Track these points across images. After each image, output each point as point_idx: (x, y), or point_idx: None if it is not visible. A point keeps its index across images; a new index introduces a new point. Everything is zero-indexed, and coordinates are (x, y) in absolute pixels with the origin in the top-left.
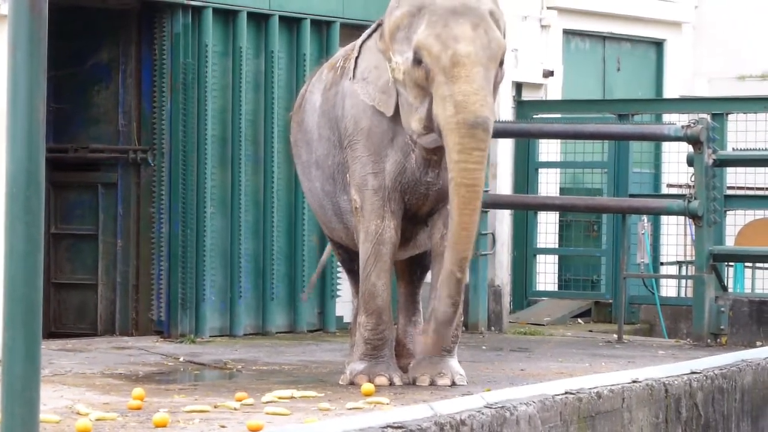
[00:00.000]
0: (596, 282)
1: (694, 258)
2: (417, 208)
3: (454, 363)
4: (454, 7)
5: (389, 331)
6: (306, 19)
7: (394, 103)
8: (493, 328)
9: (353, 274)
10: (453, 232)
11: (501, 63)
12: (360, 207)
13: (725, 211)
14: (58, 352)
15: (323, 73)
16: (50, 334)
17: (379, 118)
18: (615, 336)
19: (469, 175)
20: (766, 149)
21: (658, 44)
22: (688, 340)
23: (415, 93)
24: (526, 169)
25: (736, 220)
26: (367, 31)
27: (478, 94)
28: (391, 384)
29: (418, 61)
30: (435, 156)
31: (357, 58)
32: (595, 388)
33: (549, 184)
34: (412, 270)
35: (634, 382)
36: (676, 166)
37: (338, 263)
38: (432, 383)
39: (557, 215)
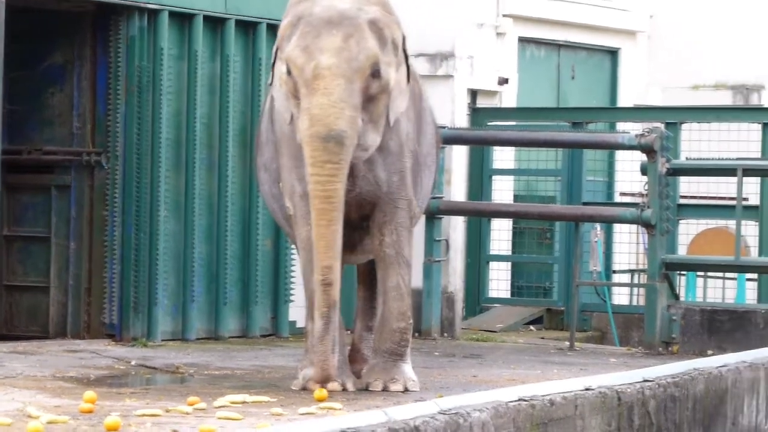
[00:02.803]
0: (548, 289)
1: (646, 266)
2: (346, 214)
3: (407, 368)
4: (330, 17)
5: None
6: (262, 23)
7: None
8: (445, 334)
9: None
10: (314, 244)
11: (375, 74)
12: (293, 214)
13: (678, 220)
14: (9, 354)
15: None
16: (1, 337)
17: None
18: (567, 343)
19: (321, 187)
20: (719, 159)
21: (613, 53)
22: (640, 348)
23: (293, 103)
24: (480, 176)
25: (688, 229)
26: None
27: (335, 107)
28: (344, 389)
29: (288, 72)
30: None
31: (273, 64)
32: (548, 395)
33: (503, 191)
34: (372, 275)
35: (586, 389)
36: (629, 175)
37: (293, 268)
38: (385, 389)
39: (510, 222)
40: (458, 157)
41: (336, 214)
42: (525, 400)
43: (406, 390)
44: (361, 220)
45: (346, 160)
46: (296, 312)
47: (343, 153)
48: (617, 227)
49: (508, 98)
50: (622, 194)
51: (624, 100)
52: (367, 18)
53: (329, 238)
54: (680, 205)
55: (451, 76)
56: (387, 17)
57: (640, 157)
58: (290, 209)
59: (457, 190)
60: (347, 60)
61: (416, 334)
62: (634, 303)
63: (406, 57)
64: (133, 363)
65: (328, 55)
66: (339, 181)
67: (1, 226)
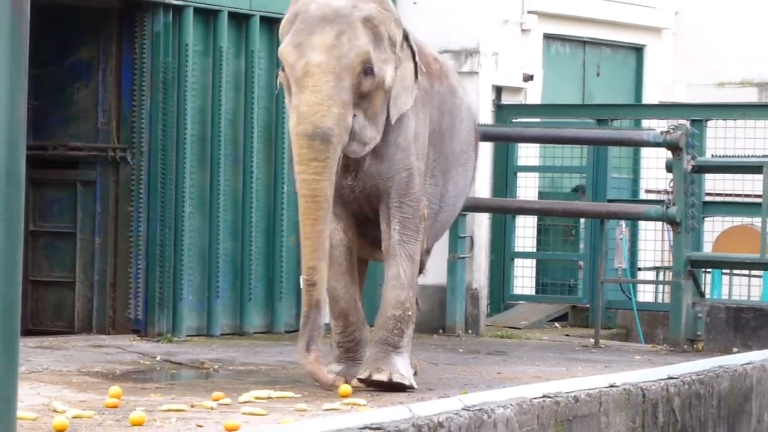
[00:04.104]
0: (573, 286)
1: (671, 264)
2: (358, 211)
3: (399, 360)
4: (324, 14)
5: (359, 332)
6: None
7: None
8: (470, 331)
9: None
10: (301, 243)
11: (367, 71)
12: None
13: (703, 218)
14: (35, 349)
15: None
16: (27, 332)
17: None
18: (592, 340)
19: (307, 186)
20: (744, 156)
21: (638, 50)
22: (665, 345)
23: (288, 100)
24: (504, 173)
25: (714, 227)
26: None
27: (323, 104)
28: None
29: (283, 69)
30: (346, 160)
31: None
32: (572, 392)
33: (528, 188)
34: None
35: (611, 386)
36: (654, 172)
37: None
38: (368, 378)
39: (535, 219)
40: (483, 153)
41: (322, 214)
42: (549, 397)
43: (390, 380)
44: (378, 216)
45: (333, 158)
46: None
47: (330, 151)
48: (642, 224)
49: (533, 95)
50: (648, 191)
51: (649, 97)
52: (361, 15)
53: (314, 238)
54: (705, 203)
55: (476, 73)
56: (383, 14)
57: (665, 154)
58: None
59: (482, 187)
60: (337, 57)
61: (440, 331)
62: (659, 300)
63: (413, 53)
64: (158, 358)
65: (318, 53)
66: (325, 180)
67: (27, 222)
